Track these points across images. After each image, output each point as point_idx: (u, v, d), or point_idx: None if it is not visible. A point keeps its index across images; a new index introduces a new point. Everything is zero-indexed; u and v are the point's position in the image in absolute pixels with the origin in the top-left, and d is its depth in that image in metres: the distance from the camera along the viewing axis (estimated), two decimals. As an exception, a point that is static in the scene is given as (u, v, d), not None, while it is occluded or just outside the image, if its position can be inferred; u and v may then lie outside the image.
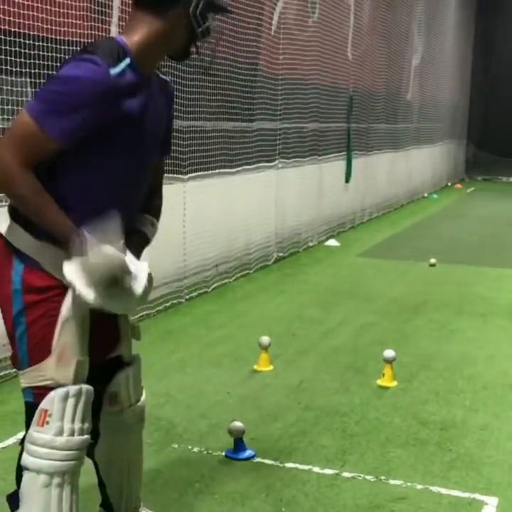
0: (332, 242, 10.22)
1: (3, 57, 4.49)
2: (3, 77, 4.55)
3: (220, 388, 4.60)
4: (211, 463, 3.61)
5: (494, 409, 4.39)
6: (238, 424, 3.68)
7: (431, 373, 4.96)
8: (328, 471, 3.55)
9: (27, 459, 2.41)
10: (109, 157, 2.37)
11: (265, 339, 4.95)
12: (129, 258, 2.39)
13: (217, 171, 7.16)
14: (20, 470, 2.48)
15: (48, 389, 2.39)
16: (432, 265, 8.65)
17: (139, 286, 2.39)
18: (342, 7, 10.77)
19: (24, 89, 4.77)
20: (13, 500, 2.53)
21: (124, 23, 5.63)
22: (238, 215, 7.70)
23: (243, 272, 7.86)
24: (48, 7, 4.80)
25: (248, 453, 3.65)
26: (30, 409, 2.44)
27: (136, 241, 2.55)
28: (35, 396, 2.42)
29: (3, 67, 4.51)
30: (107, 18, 5.50)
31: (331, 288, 7.50)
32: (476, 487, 3.45)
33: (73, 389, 2.40)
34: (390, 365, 4.70)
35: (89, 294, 2.27)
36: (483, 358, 5.32)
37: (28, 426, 2.45)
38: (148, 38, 2.37)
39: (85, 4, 5.16)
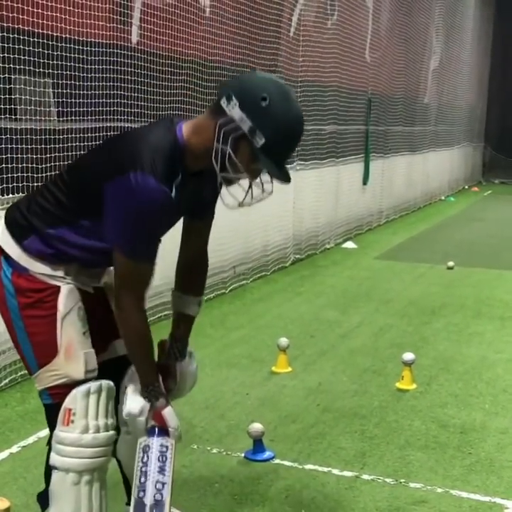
0: (349, 245, 10.21)
1: (26, 57, 4.51)
2: (26, 77, 4.58)
3: (238, 389, 4.60)
4: (230, 464, 3.61)
5: (514, 413, 4.37)
6: (257, 425, 3.68)
7: (450, 376, 4.94)
8: (348, 474, 3.55)
9: (55, 459, 2.44)
10: None
11: (283, 341, 4.95)
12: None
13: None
14: (49, 470, 2.50)
15: (63, 387, 2.41)
16: (450, 268, 8.62)
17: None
18: (361, 9, 10.76)
19: (46, 90, 4.80)
20: (43, 499, 2.56)
21: (145, 25, 5.66)
22: (256, 216, 7.69)
23: (261, 274, 7.86)
24: (70, 8, 4.83)
25: (267, 454, 3.65)
26: (50, 411, 2.47)
27: (184, 326, 2.74)
28: (52, 397, 2.45)
29: (26, 68, 4.53)
30: (128, 20, 5.53)
31: (349, 290, 7.49)
32: (496, 491, 3.43)
33: (94, 385, 2.42)
34: (409, 367, 4.69)
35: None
36: (503, 361, 5.29)
37: (51, 427, 2.48)
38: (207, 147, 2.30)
39: (107, 6, 5.19)
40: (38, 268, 2.42)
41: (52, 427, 2.47)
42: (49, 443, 2.51)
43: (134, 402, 2.45)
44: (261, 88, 2.26)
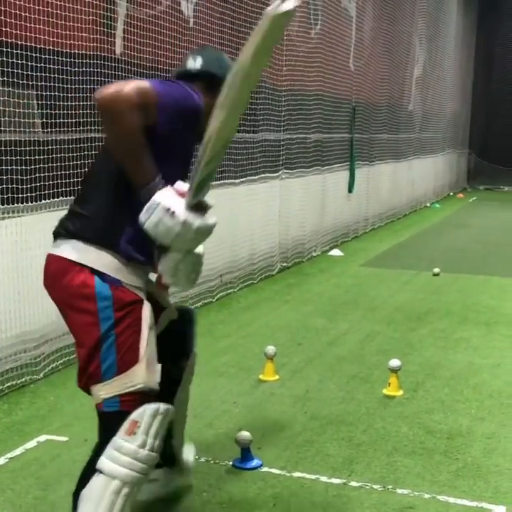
0: (335, 252, 10.24)
1: (9, 69, 4.52)
2: (10, 89, 4.58)
3: (226, 398, 4.61)
4: (218, 472, 3.61)
5: (500, 418, 4.39)
6: (245, 433, 3.68)
7: (436, 382, 4.96)
8: (336, 481, 3.56)
9: (105, 463, 2.49)
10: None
11: (271, 349, 4.96)
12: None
13: (221, 181, 7.19)
14: (88, 472, 2.54)
15: (133, 395, 2.51)
16: (436, 275, 8.66)
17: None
18: (344, 19, 10.83)
19: (30, 102, 4.80)
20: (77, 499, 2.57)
21: (128, 36, 5.68)
22: (242, 225, 7.72)
23: (247, 282, 7.88)
24: (54, 20, 4.84)
25: (255, 462, 3.66)
26: (112, 418, 2.52)
27: None
28: (121, 404, 2.52)
29: (10, 80, 4.54)
30: (112, 31, 5.55)
31: (336, 297, 7.51)
32: (483, 496, 3.45)
33: (163, 408, 2.57)
34: (396, 374, 4.71)
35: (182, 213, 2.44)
36: (489, 366, 5.32)
37: (107, 434, 2.52)
38: None
39: (91, 17, 5.20)
40: (129, 280, 2.57)
41: (108, 434, 2.52)
42: (99, 448, 2.55)
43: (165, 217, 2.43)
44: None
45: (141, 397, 2.53)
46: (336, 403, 4.55)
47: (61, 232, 2.66)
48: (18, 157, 4.64)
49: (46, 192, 4.88)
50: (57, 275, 2.60)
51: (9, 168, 4.55)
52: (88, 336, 2.53)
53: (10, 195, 4.56)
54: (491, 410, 4.49)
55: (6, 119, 4.56)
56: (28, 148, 4.74)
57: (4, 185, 4.53)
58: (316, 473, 3.63)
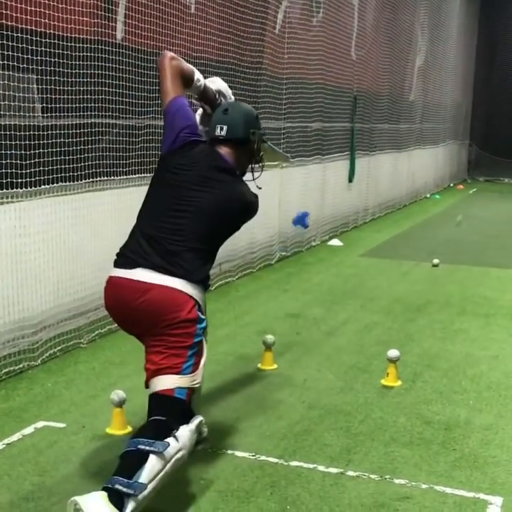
0: (335, 242, 10.22)
1: (10, 53, 4.48)
2: (10, 73, 4.55)
3: (224, 386, 4.60)
4: (216, 461, 3.61)
5: (498, 409, 4.39)
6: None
7: (435, 373, 4.96)
8: (333, 470, 3.55)
9: (183, 435, 3.10)
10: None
11: (269, 338, 4.95)
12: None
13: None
14: (162, 432, 3.05)
15: (191, 390, 3.21)
16: (435, 265, 8.65)
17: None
18: (346, 7, 10.77)
19: (30, 86, 4.77)
20: (145, 443, 3.01)
21: (130, 21, 5.64)
22: (242, 213, 7.68)
23: (247, 271, 7.86)
24: (55, 4, 4.80)
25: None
26: (181, 405, 3.17)
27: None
28: (187, 395, 3.19)
29: (10, 63, 4.50)
30: (113, 16, 5.51)
31: (335, 287, 7.50)
32: (480, 487, 3.45)
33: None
34: (394, 364, 4.70)
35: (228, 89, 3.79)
36: (487, 358, 5.32)
37: (179, 413, 3.14)
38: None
39: (92, 2, 5.16)
40: (201, 300, 3.33)
41: (181, 417, 3.15)
42: (174, 422, 3.11)
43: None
44: (252, 117, 3.64)
45: (193, 390, 3.26)
46: (334, 393, 4.55)
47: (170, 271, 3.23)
48: (18, 142, 4.61)
49: (45, 177, 4.85)
50: (169, 302, 3.20)
51: (9, 152, 4.52)
52: (182, 343, 3.20)
53: (9, 180, 4.54)
54: (489, 401, 4.49)
55: (6, 103, 4.53)
56: (27, 133, 4.71)
57: (3, 170, 4.50)
58: (313, 462, 3.62)
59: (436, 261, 8.72)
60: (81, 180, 5.23)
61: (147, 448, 2.98)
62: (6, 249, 4.60)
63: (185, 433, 3.12)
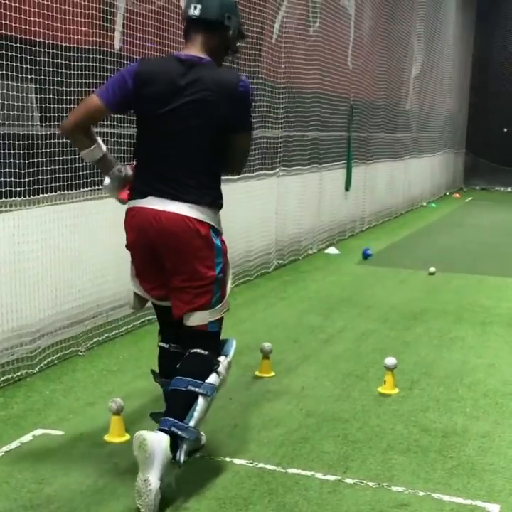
0: (332, 250, 10.25)
1: (8, 63, 4.51)
2: (8, 82, 4.57)
3: (221, 394, 4.58)
4: (214, 468, 3.62)
5: (495, 416, 4.40)
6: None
7: (431, 381, 4.97)
8: (331, 477, 3.56)
9: (224, 369, 3.43)
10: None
11: (267, 345, 4.97)
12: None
13: (219, 178, 7.18)
14: (206, 368, 3.39)
15: (222, 319, 3.45)
16: (432, 274, 8.68)
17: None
18: (343, 17, 10.83)
19: (29, 95, 4.79)
20: (192, 383, 3.31)
21: (128, 31, 5.67)
22: (239, 222, 7.71)
23: (244, 279, 7.88)
24: (53, 14, 4.82)
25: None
26: (216, 336, 3.45)
27: None
28: (218, 325, 3.43)
29: (9, 73, 4.52)
30: (111, 26, 5.53)
31: (331, 295, 7.52)
32: (477, 494, 3.46)
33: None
34: (391, 372, 4.72)
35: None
36: (484, 366, 5.33)
37: (215, 345, 3.45)
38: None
39: (90, 11, 5.19)
40: (221, 227, 3.43)
41: (214, 346, 3.45)
42: (214, 355, 3.43)
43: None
44: (230, 1, 3.42)
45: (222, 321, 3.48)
46: (332, 401, 4.56)
47: (179, 197, 3.30)
48: (16, 151, 4.63)
49: (44, 186, 4.87)
50: (182, 232, 3.28)
51: (7, 161, 4.54)
52: (205, 280, 3.32)
53: (7, 188, 4.55)
54: (486, 409, 4.51)
55: (5, 112, 4.55)
56: (26, 142, 4.73)
57: (2, 179, 4.52)
58: (311, 469, 3.63)
59: (432, 269, 8.75)
60: (79, 189, 5.25)
61: (196, 390, 3.27)
62: (5, 257, 4.61)
63: (224, 366, 3.41)
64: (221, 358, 3.44)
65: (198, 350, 3.38)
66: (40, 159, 4.83)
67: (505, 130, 22.25)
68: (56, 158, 4.97)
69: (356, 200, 12.05)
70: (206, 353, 3.38)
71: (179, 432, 3.17)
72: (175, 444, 3.16)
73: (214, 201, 3.40)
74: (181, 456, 3.23)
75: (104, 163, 3.46)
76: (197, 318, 3.38)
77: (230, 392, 4.63)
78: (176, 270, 3.34)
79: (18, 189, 4.63)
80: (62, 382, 4.76)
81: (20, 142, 4.69)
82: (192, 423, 3.24)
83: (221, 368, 3.40)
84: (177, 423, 3.19)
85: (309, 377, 4.97)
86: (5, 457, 3.69)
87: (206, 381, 3.32)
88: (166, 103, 3.28)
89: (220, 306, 3.40)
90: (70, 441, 3.88)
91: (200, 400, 3.28)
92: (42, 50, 4.76)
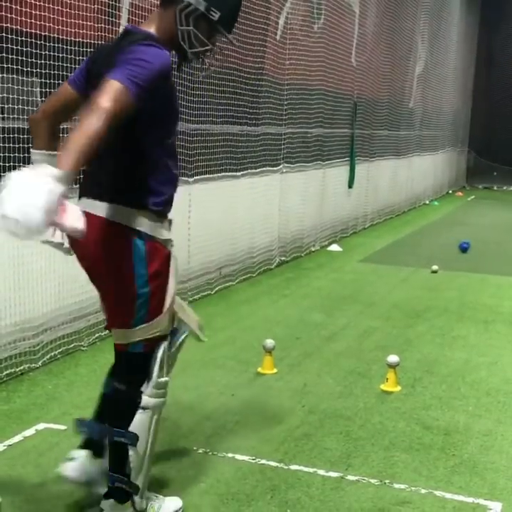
0: (334, 247, 10.24)
1: (14, 57, 4.51)
2: (13, 76, 4.57)
3: (224, 390, 4.61)
4: (216, 464, 3.62)
5: (497, 415, 4.40)
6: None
7: (434, 379, 4.97)
8: (333, 474, 3.57)
9: (150, 401, 2.86)
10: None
11: (269, 342, 4.97)
12: None
13: (222, 174, 7.19)
14: (127, 410, 2.86)
15: (154, 340, 2.84)
16: (434, 272, 8.67)
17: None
18: (347, 14, 10.82)
19: (33, 89, 4.79)
20: (115, 434, 2.87)
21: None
22: (242, 218, 7.72)
23: (246, 276, 7.88)
24: (58, 8, 4.82)
25: None
26: (139, 358, 2.86)
27: None
28: (145, 347, 2.84)
29: (14, 67, 4.53)
30: (116, 20, 5.53)
31: (334, 293, 7.52)
32: (479, 492, 3.46)
33: (178, 342, 3.04)
34: (394, 370, 4.72)
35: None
36: (486, 364, 5.33)
37: (140, 372, 2.86)
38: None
39: (95, 6, 5.19)
40: (160, 234, 2.77)
41: (133, 371, 2.87)
42: (134, 387, 2.86)
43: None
44: None
45: (159, 339, 2.87)
46: (334, 398, 4.56)
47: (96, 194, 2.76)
48: (21, 145, 4.63)
49: (48, 180, 4.86)
50: (94, 236, 2.70)
51: (12, 155, 4.54)
52: (125, 290, 2.77)
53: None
54: (488, 407, 4.51)
55: (10, 106, 4.55)
56: (31, 137, 4.72)
57: (6, 173, 4.51)
58: (313, 466, 3.64)
59: (435, 267, 8.74)
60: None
61: (122, 440, 2.87)
62: (8, 252, 4.61)
63: (149, 394, 2.86)
64: (143, 387, 2.86)
65: (116, 385, 2.91)
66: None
67: None
68: (60, 152, 4.97)
69: (359, 197, 12.04)
70: (123, 388, 2.88)
71: (124, 486, 2.91)
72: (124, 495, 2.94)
73: (147, 202, 2.76)
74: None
75: None
76: (118, 335, 2.88)
77: (232, 388, 4.64)
78: (99, 279, 2.91)
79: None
80: (65, 377, 4.77)
81: (26, 136, 4.69)
82: (133, 476, 2.90)
83: (145, 402, 2.86)
84: (121, 478, 2.90)
85: (312, 375, 4.97)
86: (7, 451, 3.69)
87: (130, 428, 2.85)
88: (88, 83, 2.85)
89: (145, 325, 2.80)
90: (72, 436, 3.86)
91: (131, 452, 2.87)
92: (47, 44, 4.76)
